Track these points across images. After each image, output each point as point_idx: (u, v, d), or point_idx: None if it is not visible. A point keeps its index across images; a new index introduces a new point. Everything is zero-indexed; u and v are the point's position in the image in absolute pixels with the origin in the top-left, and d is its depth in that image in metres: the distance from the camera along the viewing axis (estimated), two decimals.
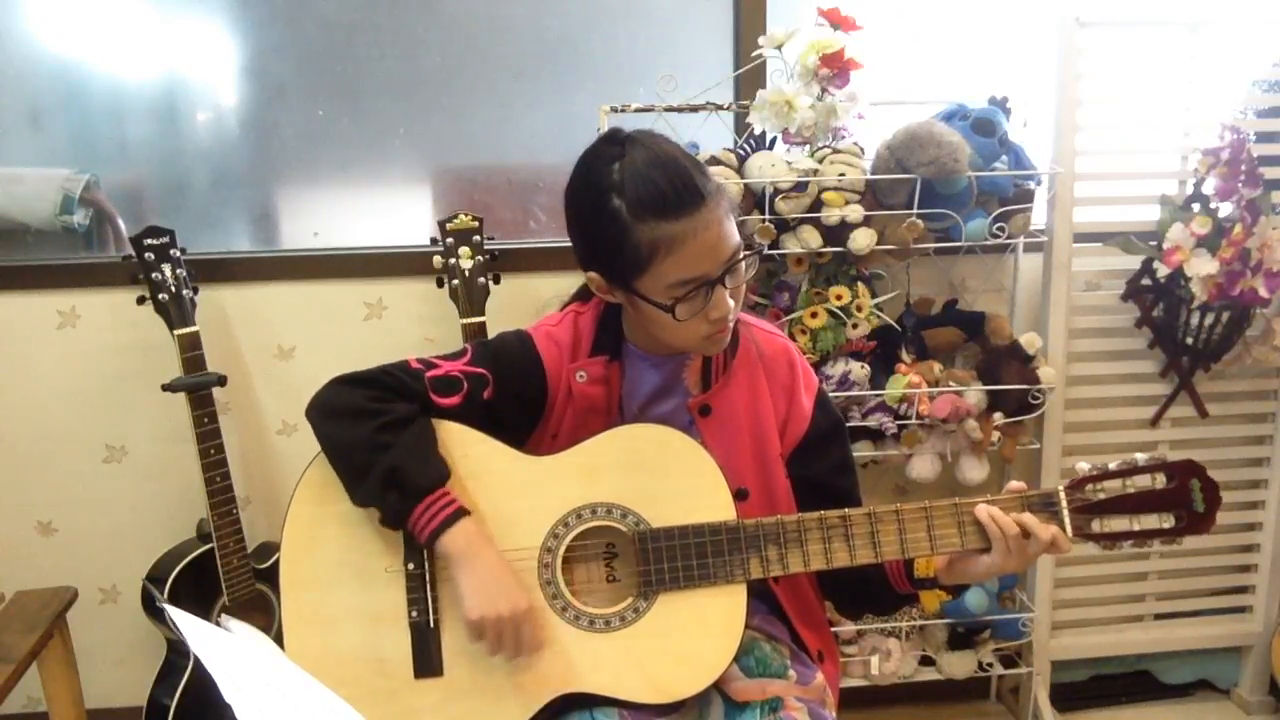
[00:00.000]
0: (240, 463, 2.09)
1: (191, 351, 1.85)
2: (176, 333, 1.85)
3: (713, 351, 1.23)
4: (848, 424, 1.89)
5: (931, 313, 2.10)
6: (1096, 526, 1.16)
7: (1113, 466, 1.17)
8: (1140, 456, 1.17)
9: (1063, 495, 1.16)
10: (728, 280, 1.14)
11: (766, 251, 1.90)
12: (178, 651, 1.94)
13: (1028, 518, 1.14)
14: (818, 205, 1.86)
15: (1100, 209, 2.10)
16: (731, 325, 1.19)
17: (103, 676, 2.13)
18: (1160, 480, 1.16)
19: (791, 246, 1.90)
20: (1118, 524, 1.16)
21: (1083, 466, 1.18)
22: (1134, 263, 2.07)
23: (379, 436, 1.15)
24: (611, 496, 1.19)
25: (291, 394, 2.10)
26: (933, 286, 2.14)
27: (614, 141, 1.14)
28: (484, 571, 1.13)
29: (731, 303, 1.15)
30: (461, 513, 1.15)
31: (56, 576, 1.89)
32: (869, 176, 1.88)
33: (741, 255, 1.14)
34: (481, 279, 1.90)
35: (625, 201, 1.09)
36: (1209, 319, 2.02)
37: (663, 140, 1.15)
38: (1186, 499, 1.16)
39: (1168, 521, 1.16)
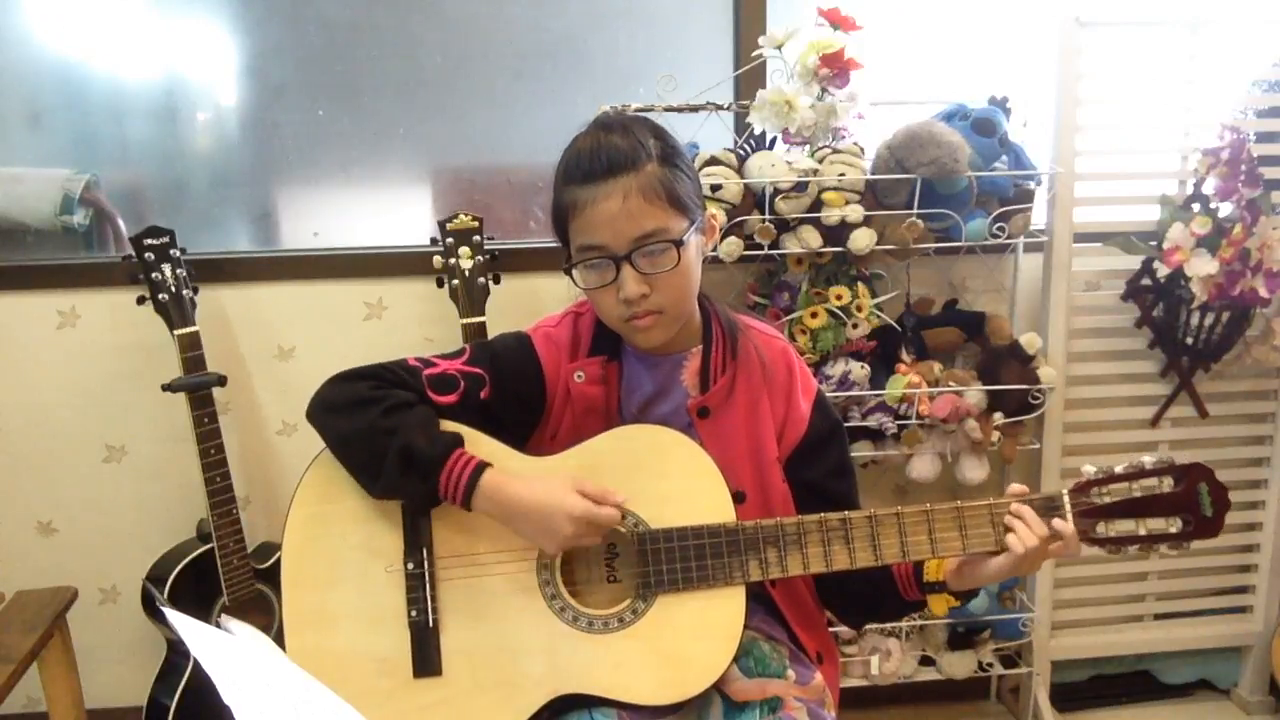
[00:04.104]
0: (240, 463, 2.09)
1: (191, 351, 1.85)
2: (176, 333, 1.85)
3: (639, 342, 1.22)
4: (847, 424, 1.89)
5: (931, 313, 2.10)
6: (1102, 530, 1.14)
7: (1119, 469, 1.14)
8: (1147, 459, 1.14)
9: (1067, 498, 1.14)
10: (639, 262, 1.14)
11: (767, 251, 1.90)
12: (178, 651, 1.94)
13: (1028, 512, 1.13)
14: (818, 205, 1.86)
15: (1100, 209, 2.10)
16: (659, 319, 1.17)
17: (103, 676, 2.13)
18: (1167, 483, 1.13)
19: (791, 246, 1.90)
20: (1123, 528, 1.14)
21: (1088, 469, 1.16)
22: (1134, 263, 2.07)
23: (384, 421, 1.14)
24: None
25: (291, 394, 2.10)
26: (933, 286, 2.14)
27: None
28: (526, 513, 1.13)
29: (643, 288, 1.14)
30: (480, 468, 1.14)
31: (56, 576, 1.89)
32: (869, 176, 1.88)
33: (651, 241, 1.13)
34: (481, 279, 1.90)
35: (561, 167, 1.18)
36: (1209, 319, 2.02)
37: (629, 120, 1.19)
38: (1194, 503, 1.13)
39: (1175, 526, 1.14)
